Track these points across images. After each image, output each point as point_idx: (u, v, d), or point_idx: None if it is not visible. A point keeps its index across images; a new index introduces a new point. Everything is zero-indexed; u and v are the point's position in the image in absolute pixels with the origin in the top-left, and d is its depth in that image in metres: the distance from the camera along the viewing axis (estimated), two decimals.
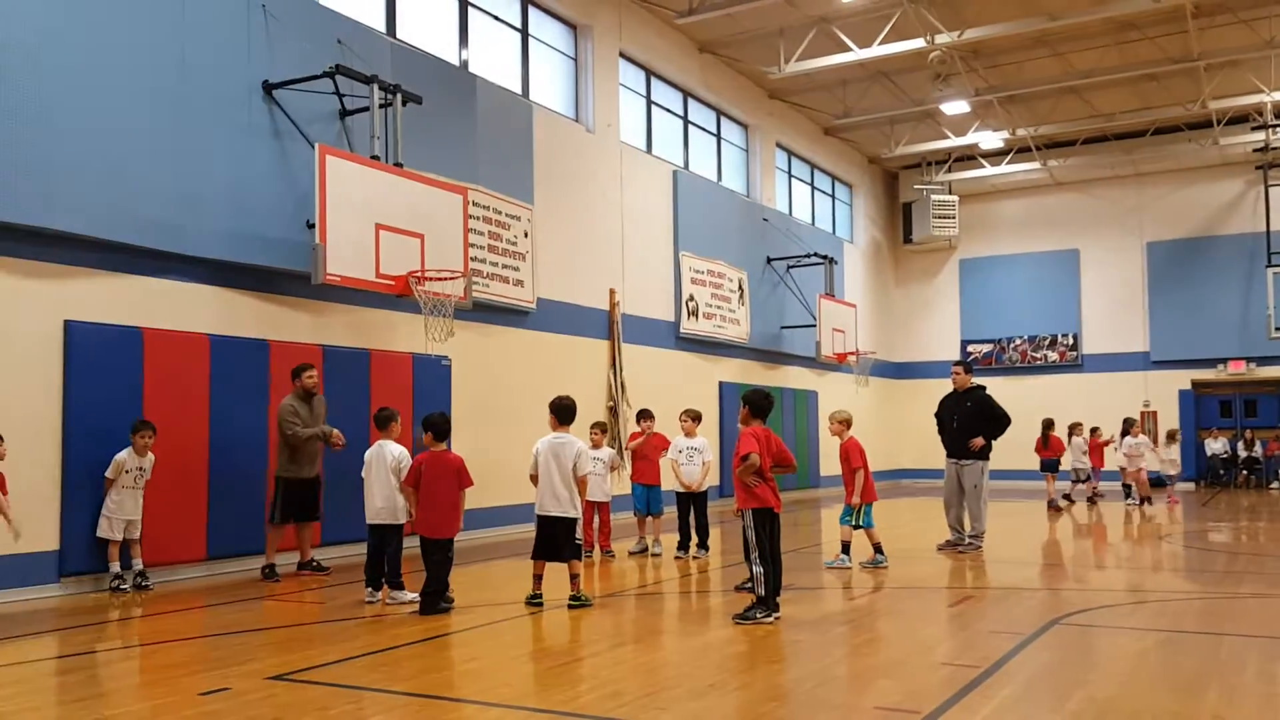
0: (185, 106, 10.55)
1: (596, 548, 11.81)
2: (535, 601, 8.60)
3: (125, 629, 8.35)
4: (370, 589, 8.93)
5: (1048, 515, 18.07)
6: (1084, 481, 20.60)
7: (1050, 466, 19.68)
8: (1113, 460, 20.62)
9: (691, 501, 11.96)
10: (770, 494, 7.91)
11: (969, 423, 12.40)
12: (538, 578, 8.71)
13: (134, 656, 7.35)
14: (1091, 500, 20.55)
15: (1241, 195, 27.13)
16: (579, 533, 8.74)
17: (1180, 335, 27.28)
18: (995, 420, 12.47)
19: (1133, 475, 19.63)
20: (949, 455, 12.60)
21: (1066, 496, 20.24)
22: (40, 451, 9.41)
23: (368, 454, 9.07)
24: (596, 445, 11.82)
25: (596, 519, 11.77)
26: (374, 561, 8.92)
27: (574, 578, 8.62)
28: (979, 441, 12.24)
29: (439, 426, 8.68)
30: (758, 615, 7.75)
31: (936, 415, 12.89)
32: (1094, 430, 21.41)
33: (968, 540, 12.28)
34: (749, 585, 8.15)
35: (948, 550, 12.23)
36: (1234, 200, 27.26)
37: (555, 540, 8.58)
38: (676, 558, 11.83)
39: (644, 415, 12.60)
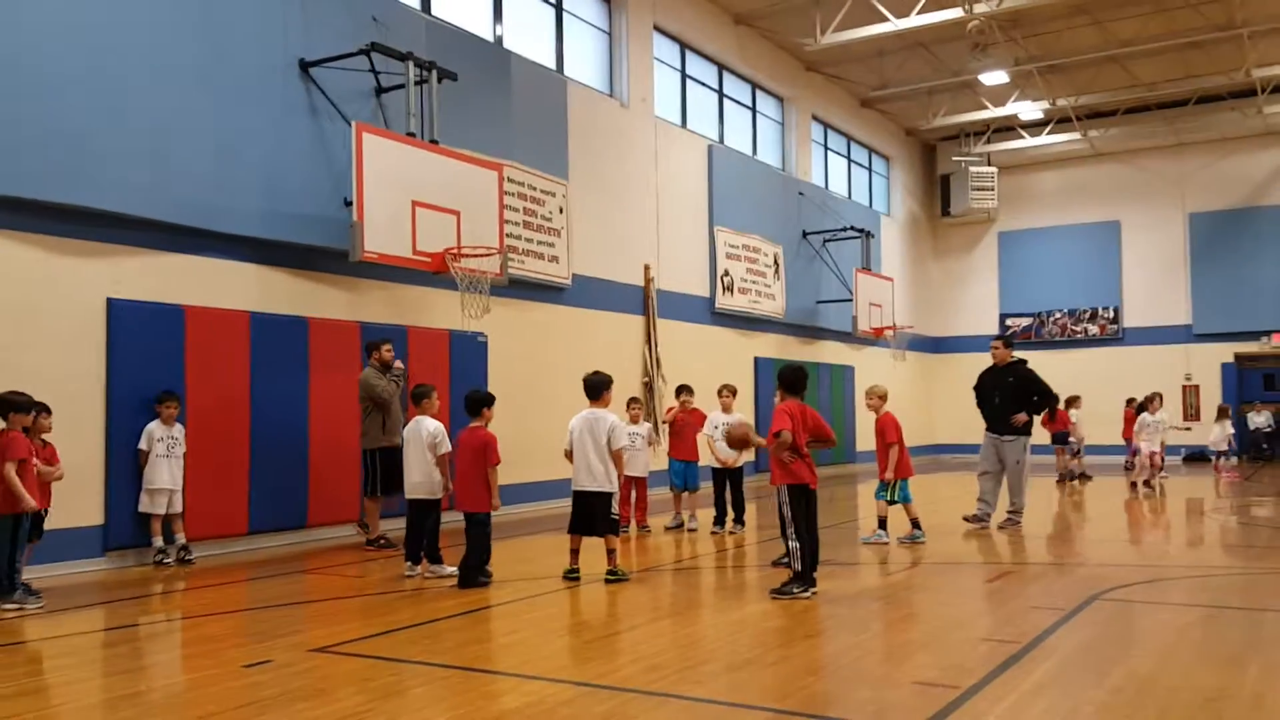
0: (223, 85, 10.62)
1: (633, 523, 11.85)
2: (572, 576, 8.65)
3: (169, 602, 8.49)
4: (410, 563, 9.03)
5: (1060, 488, 18.31)
6: (1077, 455, 20.43)
7: (1061, 439, 19.60)
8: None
9: (727, 477, 11.96)
10: (806, 470, 7.88)
11: (1011, 398, 12.23)
12: (574, 553, 8.76)
13: (178, 629, 7.47)
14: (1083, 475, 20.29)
15: None
16: (615, 508, 8.77)
17: (1223, 308, 26.88)
18: (1042, 396, 12.39)
19: (1145, 454, 19.20)
20: (990, 430, 12.42)
21: (1084, 474, 20.03)
22: (84, 428, 9.56)
23: (405, 430, 9.16)
24: (634, 420, 11.86)
25: (634, 494, 11.81)
26: (413, 536, 9.01)
27: (610, 553, 8.65)
28: (1022, 417, 12.08)
29: (469, 403, 8.78)
30: (794, 590, 7.75)
31: (976, 389, 12.77)
32: (1130, 402, 21.37)
33: (1006, 516, 12.16)
34: (785, 560, 8.17)
35: (973, 524, 12.11)
36: (1278, 170, 26.75)
37: (591, 515, 8.62)
38: (713, 533, 11.85)
39: (683, 390, 12.56)
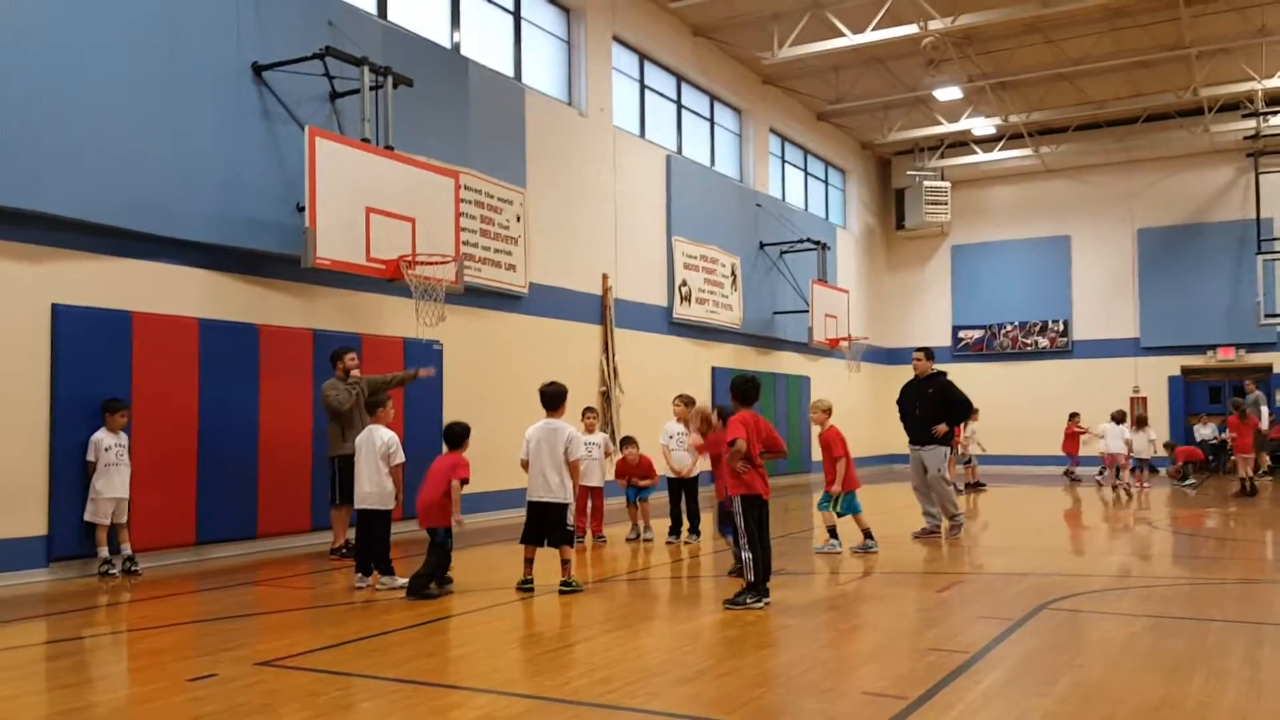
0: (174, 88, 10.49)
1: (589, 533, 11.82)
2: (526, 587, 8.60)
3: (114, 614, 8.33)
4: (360, 574, 8.93)
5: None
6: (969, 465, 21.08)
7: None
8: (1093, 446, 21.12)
9: (683, 487, 11.94)
10: (759, 480, 7.91)
11: (931, 410, 12.33)
12: (528, 562, 8.72)
13: (122, 642, 7.34)
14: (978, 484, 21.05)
15: (1232, 182, 27.18)
16: (570, 518, 8.74)
17: (1170, 322, 27.37)
18: (956, 405, 12.53)
19: (1107, 460, 19.99)
20: (912, 442, 12.53)
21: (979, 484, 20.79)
22: (28, 436, 9.39)
23: (358, 439, 9.06)
24: (589, 430, 11.83)
25: (590, 504, 11.79)
26: (363, 546, 8.91)
27: (565, 563, 8.63)
28: (942, 428, 12.19)
29: (454, 435, 8.83)
30: (748, 600, 7.77)
31: (898, 403, 12.83)
32: (1072, 416, 22.46)
33: (949, 526, 12.30)
34: (740, 570, 8.17)
35: (923, 538, 12.12)
36: (1224, 187, 27.31)
37: (546, 526, 8.59)
38: (668, 543, 11.84)
39: (627, 442, 12.30)
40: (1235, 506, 16.66)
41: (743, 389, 8.20)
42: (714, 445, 9.78)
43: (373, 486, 8.82)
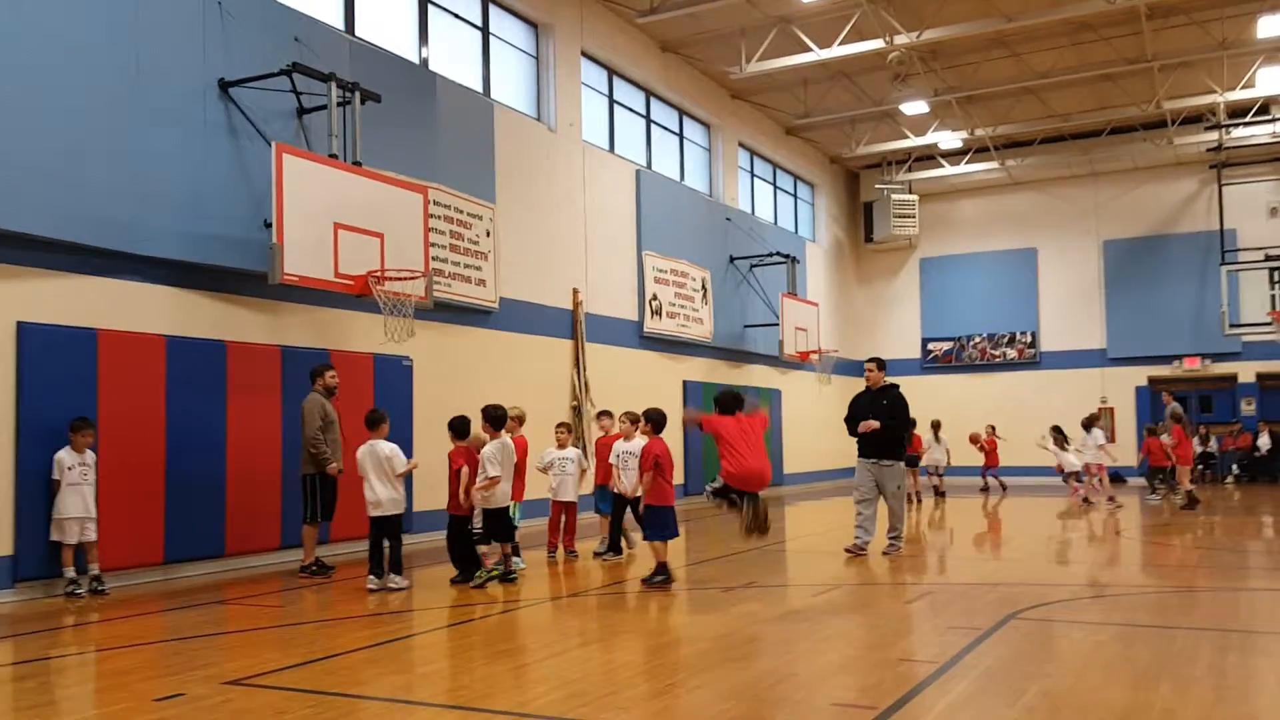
0: (140, 105, 10.42)
1: (560, 548, 11.77)
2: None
3: (80, 634, 8.23)
4: (374, 576, 9.60)
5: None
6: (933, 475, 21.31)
7: (912, 461, 19.89)
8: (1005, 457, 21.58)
9: (630, 506, 11.62)
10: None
11: (887, 422, 11.72)
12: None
13: (88, 662, 7.25)
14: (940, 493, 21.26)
15: (1195, 194, 27.55)
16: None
17: (1137, 332, 27.68)
18: (906, 421, 12.24)
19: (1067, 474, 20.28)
20: (865, 455, 11.88)
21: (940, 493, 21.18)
22: None
23: (359, 453, 9.71)
24: (562, 445, 11.78)
25: (564, 519, 11.75)
26: (378, 551, 9.65)
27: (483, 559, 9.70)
28: (873, 424, 11.56)
29: (461, 428, 10.33)
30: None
31: (849, 416, 12.07)
32: (990, 429, 22.78)
33: (889, 542, 11.78)
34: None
35: (854, 552, 11.55)
36: (1188, 199, 27.68)
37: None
38: (599, 556, 11.68)
39: (604, 414, 12.56)
40: (1195, 518, 16.78)
41: (727, 402, 9.45)
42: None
43: (386, 495, 9.55)
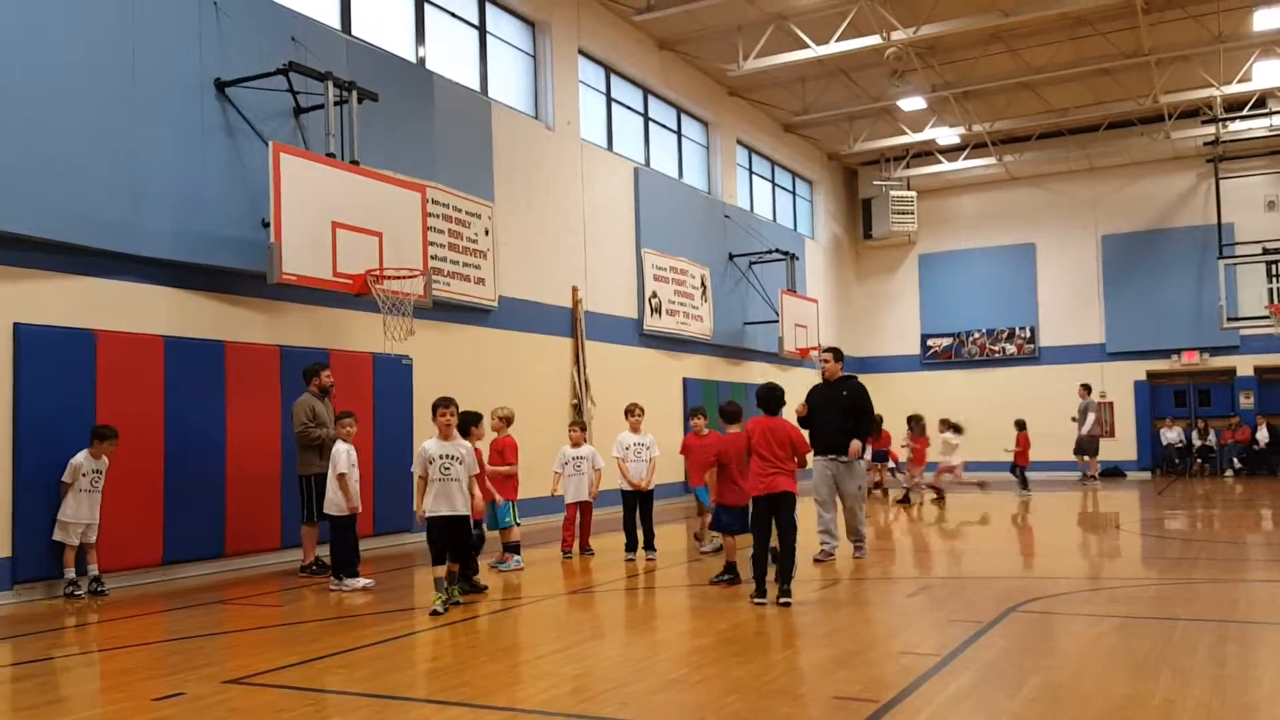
0: (137, 105, 10.42)
1: (576, 546, 11.72)
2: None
3: (80, 635, 8.23)
4: (332, 577, 9.77)
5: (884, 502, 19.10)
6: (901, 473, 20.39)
7: (880, 457, 19.78)
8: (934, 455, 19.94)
9: (638, 500, 11.52)
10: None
11: (845, 416, 10.81)
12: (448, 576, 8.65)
13: (89, 663, 7.25)
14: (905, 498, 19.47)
15: (1193, 188, 27.56)
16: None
17: (1135, 327, 27.68)
18: (868, 415, 11.12)
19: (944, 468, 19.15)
20: (821, 453, 10.88)
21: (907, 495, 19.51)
22: None
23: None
24: (577, 444, 11.69)
25: (580, 518, 11.71)
26: (331, 551, 9.84)
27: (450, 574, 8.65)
28: (856, 447, 10.72)
29: (466, 422, 9.56)
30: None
31: (806, 413, 11.06)
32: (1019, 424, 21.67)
33: (855, 547, 11.14)
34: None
35: (825, 561, 10.75)
36: (1186, 193, 27.68)
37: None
38: (627, 560, 11.35)
39: (696, 414, 11.96)
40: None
41: (765, 398, 8.98)
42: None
43: (330, 495, 9.76)
